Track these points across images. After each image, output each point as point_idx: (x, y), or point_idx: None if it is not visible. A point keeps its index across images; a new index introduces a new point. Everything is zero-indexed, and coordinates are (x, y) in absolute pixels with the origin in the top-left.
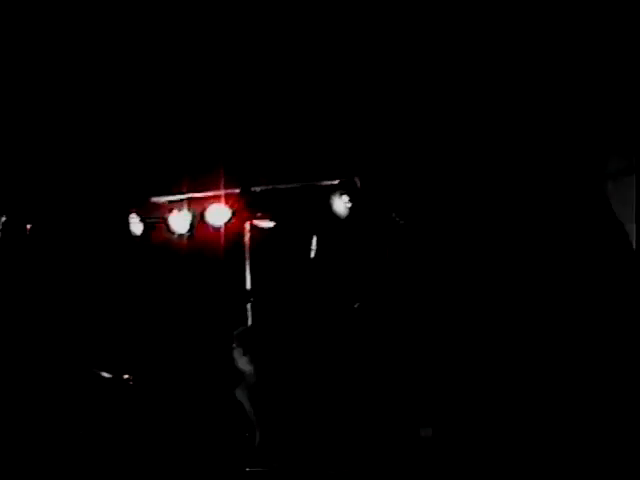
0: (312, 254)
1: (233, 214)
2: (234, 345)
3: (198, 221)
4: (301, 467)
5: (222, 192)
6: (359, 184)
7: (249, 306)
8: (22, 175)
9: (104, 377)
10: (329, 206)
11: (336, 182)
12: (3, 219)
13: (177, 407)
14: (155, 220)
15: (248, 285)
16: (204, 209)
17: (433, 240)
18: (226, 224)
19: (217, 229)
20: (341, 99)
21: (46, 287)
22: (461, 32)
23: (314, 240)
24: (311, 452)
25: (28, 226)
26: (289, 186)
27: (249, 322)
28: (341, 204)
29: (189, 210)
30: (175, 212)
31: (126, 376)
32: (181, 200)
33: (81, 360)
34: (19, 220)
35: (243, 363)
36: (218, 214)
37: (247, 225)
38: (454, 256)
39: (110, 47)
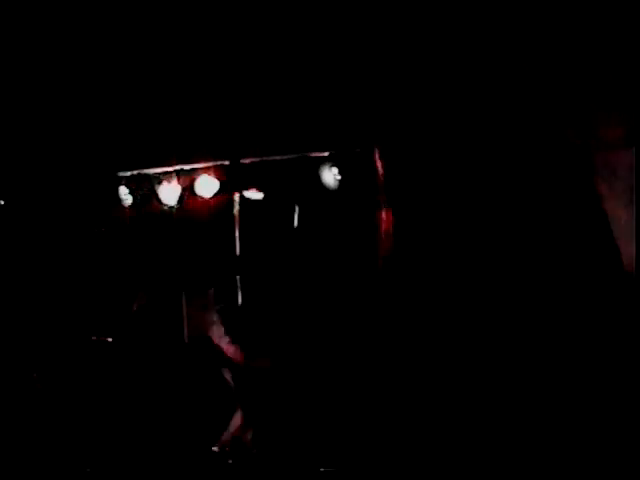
0: (295, 223)
1: (222, 186)
2: (215, 322)
3: (187, 193)
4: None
5: (211, 164)
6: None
7: (238, 277)
8: (8, 149)
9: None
10: (318, 178)
11: (326, 154)
12: None
13: (164, 377)
14: (145, 192)
15: (237, 256)
16: (193, 181)
17: (422, 218)
18: (215, 196)
19: (206, 201)
20: (331, 70)
21: (33, 258)
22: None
23: (296, 210)
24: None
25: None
26: (278, 158)
27: (237, 299)
28: (330, 176)
29: (178, 182)
30: (165, 184)
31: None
32: (170, 172)
33: (72, 326)
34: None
35: (224, 342)
36: (207, 186)
37: (236, 197)
38: (442, 235)
39: (101, 25)
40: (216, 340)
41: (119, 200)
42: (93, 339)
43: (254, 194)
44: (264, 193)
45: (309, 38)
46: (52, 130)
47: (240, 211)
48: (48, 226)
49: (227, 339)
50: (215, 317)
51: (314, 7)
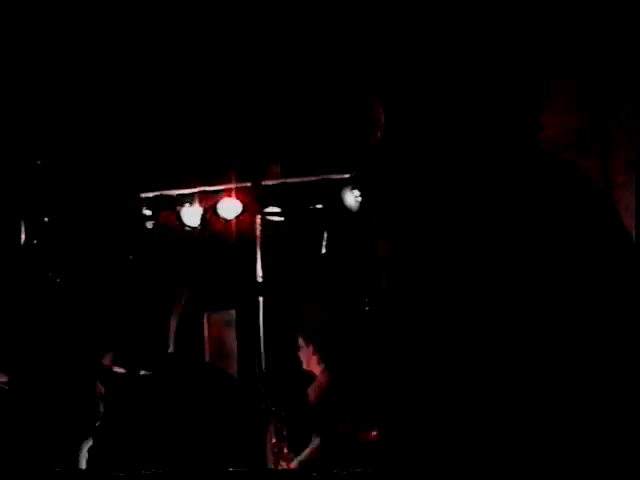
0: (323, 249)
1: (244, 208)
2: (300, 344)
3: (209, 215)
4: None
5: (233, 186)
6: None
7: (261, 299)
8: (34, 170)
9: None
10: (340, 200)
11: (347, 176)
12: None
13: (189, 401)
14: (166, 214)
15: (259, 279)
16: (215, 203)
17: (439, 236)
18: (237, 218)
19: (228, 223)
20: (353, 92)
21: (58, 281)
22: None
23: (325, 235)
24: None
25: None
26: (300, 180)
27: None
28: (352, 198)
29: (200, 204)
30: (186, 206)
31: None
32: (192, 194)
33: (90, 354)
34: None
35: (313, 365)
36: (229, 208)
37: (258, 219)
38: (458, 252)
39: (120, 39)
40: (305, 364)
41: (141, 222)
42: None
43: (275, 216)
44: (285, 215)
45: (330, 62)
46: (73, 153)
47: (262, 233)
48: (76, 252)
49: (315, 358)
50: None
51: (332, 32)
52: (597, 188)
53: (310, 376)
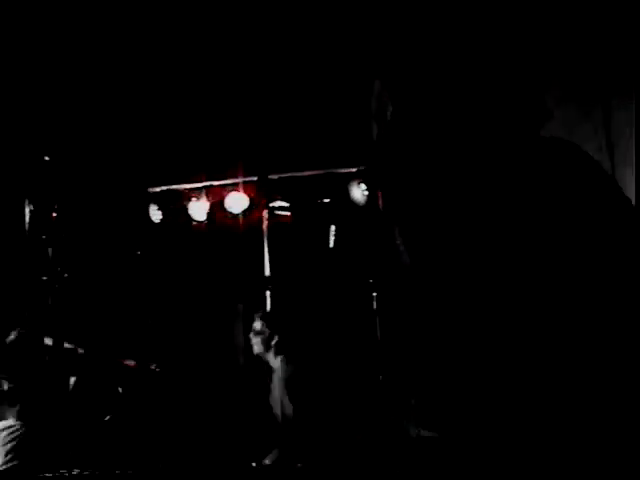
0: (331, 243)
1: (251, 202)
2: (255, 339)
3: (217, 209)
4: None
5: (240, 180)
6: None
7: (268, 293)
8: (42, 165)
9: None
10: (347, 194)
11: (354, 170)
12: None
13: (195, 396)
14: (174, 208)
15: (267, 272)
16: (223, 197)
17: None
18: (244, 212)
19: (235, 217)
20: (359, 85)
21: (69, 274)
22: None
23: (332, 229)
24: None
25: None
26: (307, 174)
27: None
28: (359, 192)
29: (207, 198)
30: (194, 200)
31: (153, 366)
32: (200, 188)
33: (102, 349)
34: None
35: (271, 359)
36: (237, 202)
37: (265, 213)
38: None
39: (128, 36)
40: (257, 348)
41: (149, 216)
42: (153, 368)
43: (282, 210)
44: (292, 209)
45: (337, 57)
46: (82, 147)
47: (269, 227)
48: (83, 241)
49: (271, 354)
50: (256, 334)
51: (340, 25)
52: (601, 168)
53: (264, 363)
